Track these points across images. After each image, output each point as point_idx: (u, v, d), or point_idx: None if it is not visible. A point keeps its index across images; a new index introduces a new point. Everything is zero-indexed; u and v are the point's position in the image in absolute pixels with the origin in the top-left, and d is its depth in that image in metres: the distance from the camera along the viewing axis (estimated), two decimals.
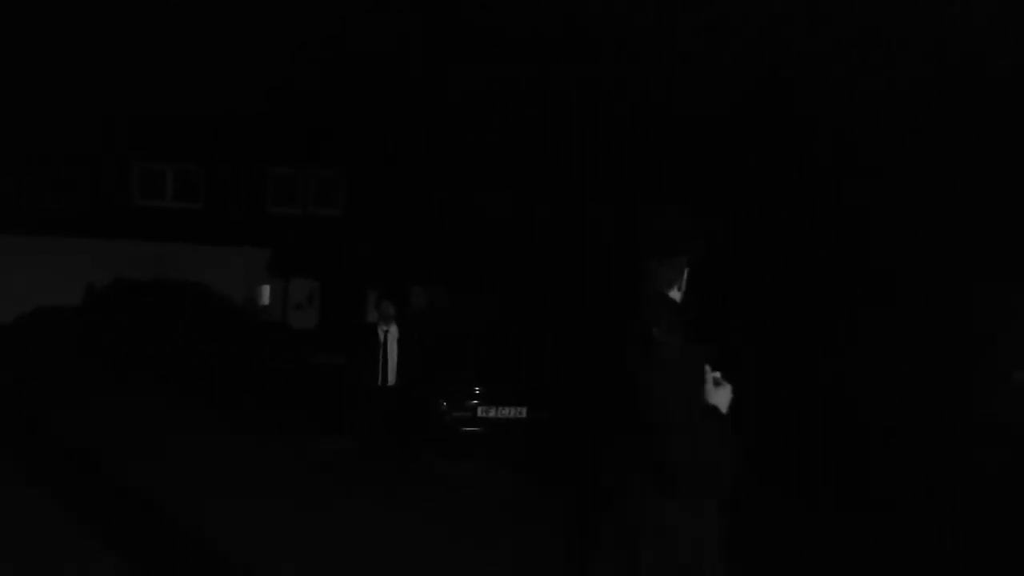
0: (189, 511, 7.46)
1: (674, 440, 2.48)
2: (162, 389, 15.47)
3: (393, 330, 9.52)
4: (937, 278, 8.82)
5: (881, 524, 7.68)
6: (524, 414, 10.38)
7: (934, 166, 8.74)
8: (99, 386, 15.36)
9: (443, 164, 21.91)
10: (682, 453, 2.48)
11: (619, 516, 2.56)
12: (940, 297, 8.76)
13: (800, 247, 10.69)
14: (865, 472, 8.94)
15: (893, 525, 7.62)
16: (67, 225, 23.77)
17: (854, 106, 9.17)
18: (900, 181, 9.20)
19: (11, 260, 23.10)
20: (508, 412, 10.43)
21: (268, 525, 7.22)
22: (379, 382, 9.38)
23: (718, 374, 2.78)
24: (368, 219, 24.46)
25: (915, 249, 9.05)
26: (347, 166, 25.37)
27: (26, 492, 8.03)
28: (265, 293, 26.84)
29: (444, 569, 6.30)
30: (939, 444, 8.53)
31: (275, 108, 22.93)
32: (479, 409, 10.48)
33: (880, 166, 9.40)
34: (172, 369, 17.08)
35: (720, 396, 2.74)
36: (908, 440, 8.87)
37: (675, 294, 2.78)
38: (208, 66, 21.19)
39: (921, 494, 8.18)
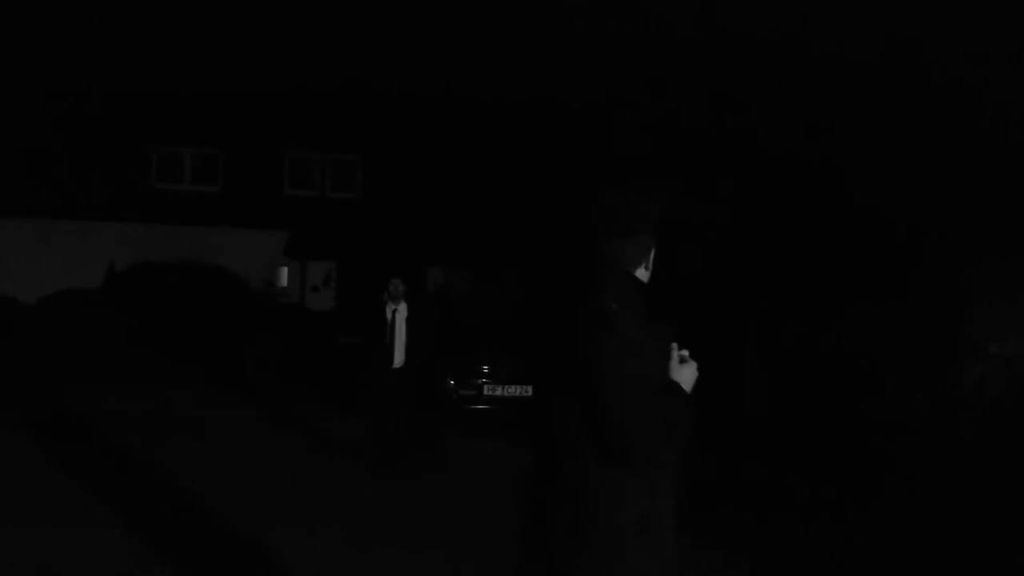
0: (200, 488, 7.68)
1: (619, 411, 2.47)
2: (182, 370, 15.75)
3: (402, 308, 9.11)
4: (929, 256, 8.89)
5: (876, 516, 7.73)
6: (529, 392, 10.50)
7: (922, 145, 8.82)
8: (120, 366, 15.66)
9: (458, 151, 22.08)
10: (626, 424, 2.47)
11: (564, 486, 2.56)
12: (932, 275, 8.83)
13: (793, 230, 10.79)
14: (858, 461, 9.00)
15: (887, 516, 7.68)
16: (88, 209, 24.12)
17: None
18: (886, 158, 9.29)
19: (34, 244, 23.51)
20: (514, 390, 10.62)
21: (275, 502, 7.42)
22: (388, 361, 9.06)
23: (686, 352, 2.75)
24: (385, 202, 24.68)
25: (903, 226, 9.13)
26: (364, 150, 25.57)
27: (38, 470, 8.31)
28: (283, 275, 27.17)
29: (446, 544, 6.46)
30: (925, 425, 8.60)
31: (293, 92, 23.11)
32: (485, 387, 10.68)
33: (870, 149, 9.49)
34: (192, 350, 17.36)
35: (684, 374, 2.71)
36: (896, 423, 8.94)
37: (641, 273, 2.76)
38: (226, 51, 21.38)
39: (907, 481, 8.25)
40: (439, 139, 22.56)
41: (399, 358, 9.05)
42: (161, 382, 14.31)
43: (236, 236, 25.21)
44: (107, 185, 24.50)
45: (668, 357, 2.71)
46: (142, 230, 24.23)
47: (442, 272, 24.25)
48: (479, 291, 19.57)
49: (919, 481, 8.18)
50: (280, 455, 9.45)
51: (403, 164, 24.37)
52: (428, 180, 23.53)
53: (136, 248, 23.26)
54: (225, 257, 23.72)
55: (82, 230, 24.08)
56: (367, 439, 9.22)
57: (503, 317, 13.44)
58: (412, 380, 9.13)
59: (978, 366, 8.16)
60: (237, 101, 23.25)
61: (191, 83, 21.47)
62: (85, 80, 20.86)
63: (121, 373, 14.92)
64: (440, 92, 19.15)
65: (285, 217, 25.77)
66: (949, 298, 8.61)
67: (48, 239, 23.71)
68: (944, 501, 7.57)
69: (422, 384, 9.55)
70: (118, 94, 22.34)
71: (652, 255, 2.79)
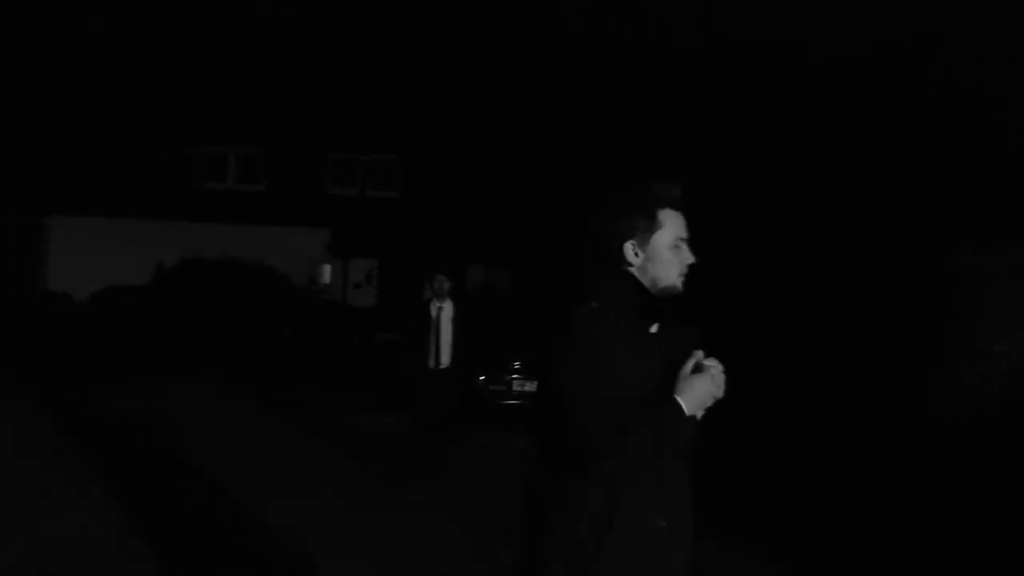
0: (219, 475, 7.90)
1: (566, 415, 2.32)
2: (223, 365, 16.12)
3: (447, 307, 8.57)
4: (922, 252, 8.93)
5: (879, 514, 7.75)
6: None
7: (915, 142, 8.86)
8: (162, 361, 16.07)
9: (496, 150, 22.30)
10: (569, 428, 2.32)
11: (534, 493, 2.47)
12: (925, 272, 8.85)
13: (793, 233, 10.87)
14: (863, 460, 9.00)
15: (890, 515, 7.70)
16: (136, 207, 24.74)
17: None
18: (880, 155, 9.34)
19: (84, 242, 24.20)
20: None
21: (304, 495, 7.61)
22: (431, 360, 8.58)
23: (711, 362, 2.40)
24: (424, 200, 25.00)
25: (900, 226, 9.16)
26: (403, 150, 25.93)
27: (64, 460, 8.68)
28: (326, 272, 27.61)
29: (475, 537, 6.53)
30: (931, 424, 8.59)
31: (333, 94, 23.50)
32: (515, 383, 10.90)
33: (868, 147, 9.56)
34: (233, 345, 17.76)
35: (694, 384, 2.36)
36: (897, 424, 8.94)
37: (641, 270, 2.48)
38: (270, 53, 21.81)
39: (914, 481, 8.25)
40: (477, 137, 22.80)
41: (445, 358, 8.55)
42: (197, 374, 14.69)
43: (279, 234, 25.70)
44: (155, 185, 25.14)
45: (658, 362, 2.40)
46: (188, 228, 24.79)
47: (482, 270, 24.51)
48: (516, 287, 19.77)
49: (926, 479, 8.19)
50: (313, 448, 9.65)
51: (442, 163, 24.66)
52: (467, 178, 23.79)
53: (183, 246, 23.84)
54: (269, 255, 24.22)
55: (131, 228, 24.68)
56: (402, 435, 9.26)
57: (538, 313, 13.60)
58: (456, 379, 8.75)
59: (982, 365, 8.19)
60: (279, 103, 23.71)
61: (233, 84, 21.96)
62: (133, 83, 21.44)
63: (163, 367, 15.30)
64: (478, 91, 19.41)
65: (327, 215, 26.24)
66: (955, 297, 8.64)
67: (99, 237, 24.37)
68: (950, 499, 7.60)
69: (457, 380, 9.15)
70: (165, 96, 22.93)
71: (652, 247, 2.47)
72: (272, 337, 18.02)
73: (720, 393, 2.40)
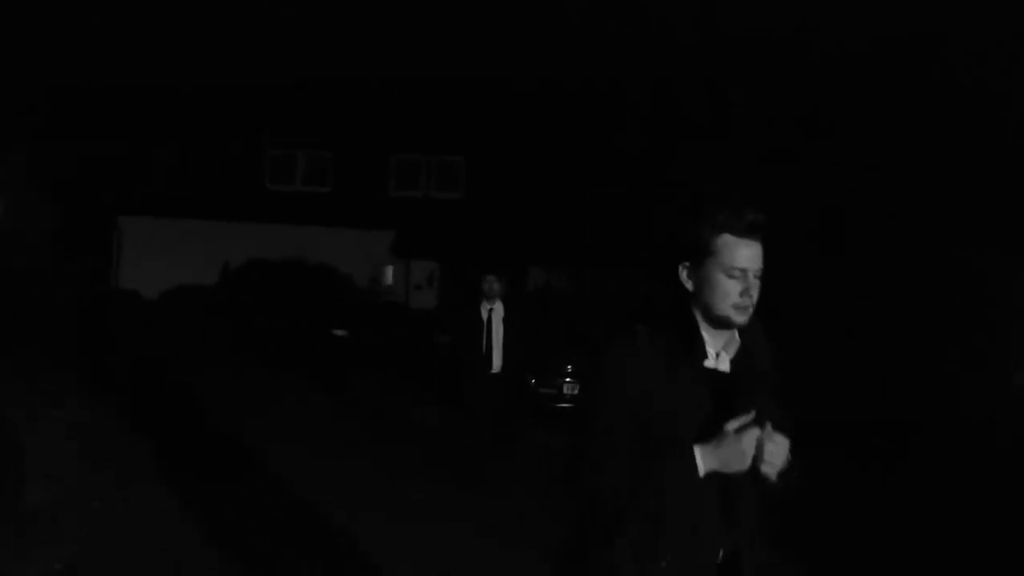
0: (267, 459, 8.04)
1: (591, 435, 2.31)
2: (282, 360, 16.38)
3: (498, 308, 8.35)
4: (919, 251, 8.70)
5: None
6: None
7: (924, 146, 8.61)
8: (221, 359, 16.39)
9: (561, 151, 22.24)
10: (571, 442, 2.34)
11: None
12: (948, 275, 8.58)
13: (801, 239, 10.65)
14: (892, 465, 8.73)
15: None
16: (206, 209, 25.28)
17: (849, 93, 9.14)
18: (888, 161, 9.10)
19: (155, 241, 24.85)
20: None
21: (352, 488, 7.63)
22: (481, 362, 8.32)
23: (769, 436, 2.21)
24: (488, 202, 25.05)
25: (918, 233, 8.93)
26: (468, 151, 26.02)
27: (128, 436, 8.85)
28: (389, 274, 27.90)
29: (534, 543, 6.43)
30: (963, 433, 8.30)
31: (399, 96, 23.68)
32: (566, 386, 10.79)
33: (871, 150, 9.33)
34: (294, 342, 18.03)
35: (720, 447, 2.21)
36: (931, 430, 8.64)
37: (697, 297, 2.38)
38: (336, 58, 22.09)
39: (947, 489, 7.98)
40: (542, 139, 22.76)
41: (497, 361, 8.36)
42: (245, 369, 14.91)
43: (344, 235, 26.05)
44: (224, 186, 25.64)
45: (706, 396, 2.29)
46: (257, 230, 25.29)
47: (543, 272, 24.46)
48: (574, 290, 19.65)
49: (935, 479, 7.95)
50: (361, 444, 9.69)
51: (506, 164, 24.66)
52: (531, 180, 23.76)
53: (251, 246, 24.36)
54: (334, 256, 24.61)
55: (200, 229, 25.27)
56: (452, 435, 9.16)
57: (597, 316, 13.49)
58: (505, 382, 8.49)
59: (985, 365, 7.92)
60: (347, 106, 23.99)
61: (302, 84, 22.29)
62: (204, 86, 21.91)
63: (220, 365, 15.59)
64: (544, 92, 19.36)
65: (391, 218, 26.46)
66: (953, 296, 8.37)
67: (170, 237, 25.00)
68: (957, 498, 7.35)
69: (507, 382, 8.73)
70: (238, 97, 23.37)
71: (705, 272, 2.35)
72: (326, 336, 18.24)
73: (770, 471, 2.22)
